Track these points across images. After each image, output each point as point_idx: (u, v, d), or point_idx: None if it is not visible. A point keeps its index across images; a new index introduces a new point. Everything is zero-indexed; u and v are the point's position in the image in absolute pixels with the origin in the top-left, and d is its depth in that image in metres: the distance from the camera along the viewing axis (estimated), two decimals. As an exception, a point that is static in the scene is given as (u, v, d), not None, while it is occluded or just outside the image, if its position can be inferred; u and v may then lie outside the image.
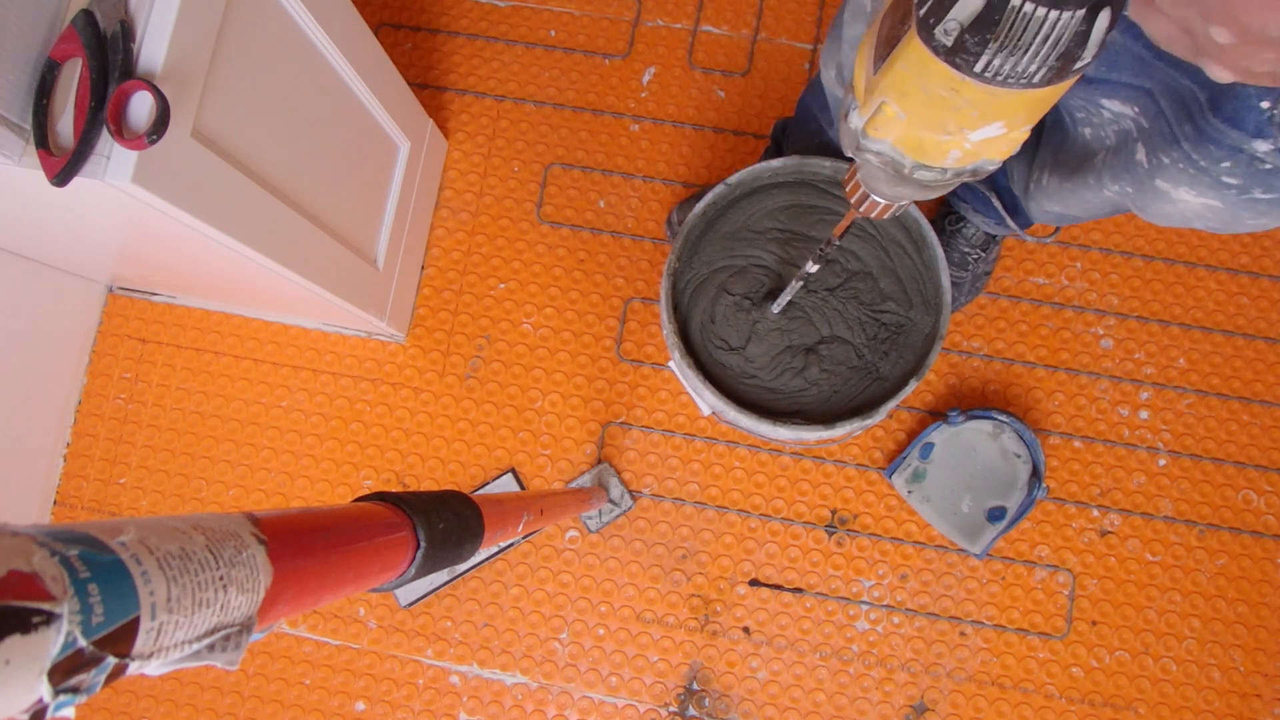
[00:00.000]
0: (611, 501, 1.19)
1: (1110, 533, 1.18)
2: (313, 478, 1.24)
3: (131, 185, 0.63)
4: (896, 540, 1.19)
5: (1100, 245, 1.26)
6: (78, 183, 0.63)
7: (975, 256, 1.17)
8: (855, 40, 0.78)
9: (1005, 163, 0.94)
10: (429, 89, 1.34)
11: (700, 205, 0.95)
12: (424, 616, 1.19)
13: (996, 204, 1.03)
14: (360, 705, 1.17)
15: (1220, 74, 0.35)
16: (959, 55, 0.38)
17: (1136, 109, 0.66)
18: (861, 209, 0.59)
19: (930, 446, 1.18)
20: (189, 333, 1.28)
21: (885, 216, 0.59)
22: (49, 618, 0.21)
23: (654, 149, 1.30)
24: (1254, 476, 1.19)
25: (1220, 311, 1.24)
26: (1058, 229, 1.12)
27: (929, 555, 1.19)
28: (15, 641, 0.20)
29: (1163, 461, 1.20)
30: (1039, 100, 0.41)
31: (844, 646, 1.17)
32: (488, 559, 1.20)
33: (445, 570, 0.76)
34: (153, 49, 0.64)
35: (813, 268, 0.82)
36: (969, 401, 1.22)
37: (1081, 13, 0.36)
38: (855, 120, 0.49)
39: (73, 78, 0.64)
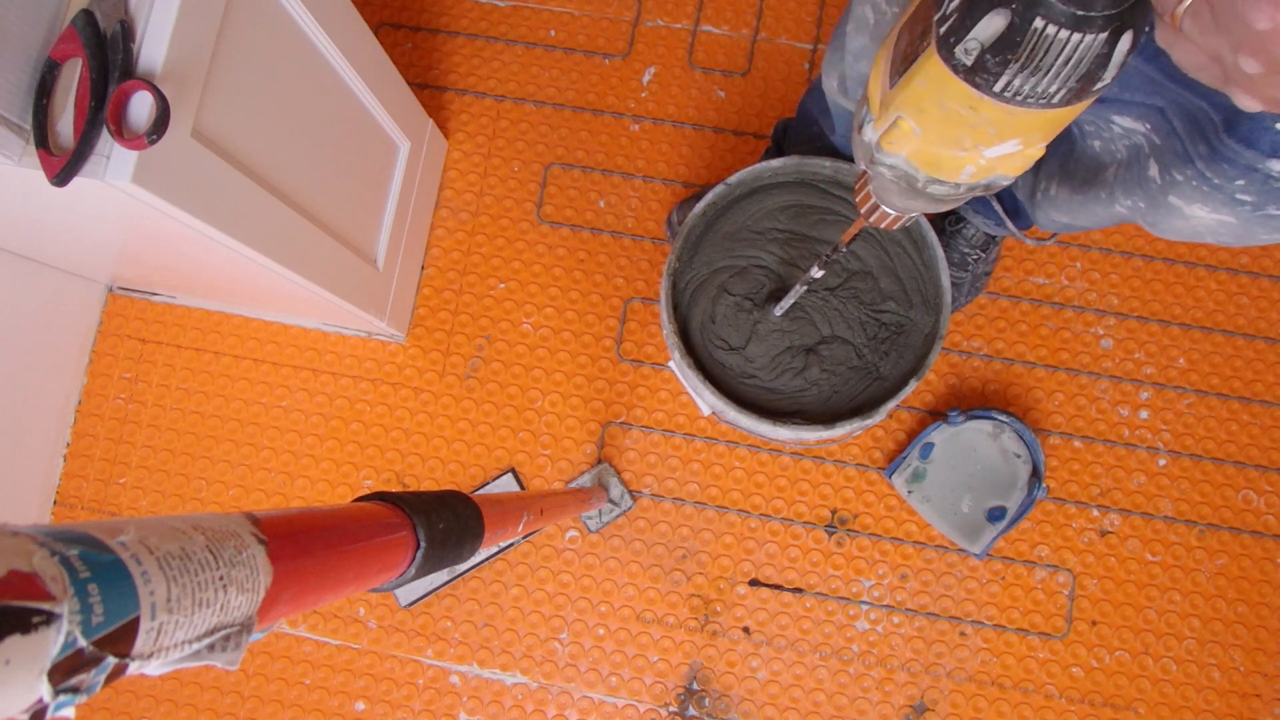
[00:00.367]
0: (611, 501, 1.19)
1: (1110, 533, 1.18)
2: (313, 478, 1.24)
3: (131, 185, 0.63)
4: (896, 540, 1.19)
5: (1100, 245, 1.26)
6: (78, 183, 0.63)
7: (975, 257, 1.17)
8: (858, 52, 0.78)
9: None
10: (429, 89, 1.34)
11: (700, 205, 0.95)
12: (424, 616, 1.19)
13: (997, 207, 1.03)
14: (360, 705, 1.17)
15: (1248, 103, 0.35)
16: (979, 75, 0.38)
17: (1148, 125, 0.66)
18: (871, 219, 0.59)
19: (930, 446, 1.18)
20: (189, 333, 1.28)
21: (895, 227, 0.59)
22: (49, 618, 0.21)
23: (654, 149, 1.30)
24: (1254, 476, 1.19)
25: (1220, 311, 1.24)
26: (1053, 236, 1.12)
27: (929, 555, 1.19)
28: (15, 641, 0.20)
29: (1163, 461, 1.20)
30: (1056, 119, 0.40)
31: (844, 646, 1.17)
32: (488, 559, 1.20)
33: (445, 570, 0.76)
34: (153, 49, 0.64)
35: (817, 272, 0.82)
36: (969, 401, 1.22)
37: (1104, 36, 0.35)
38: (870, 133, 0.49)
39: (73, 78, 0.64)
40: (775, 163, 0.96)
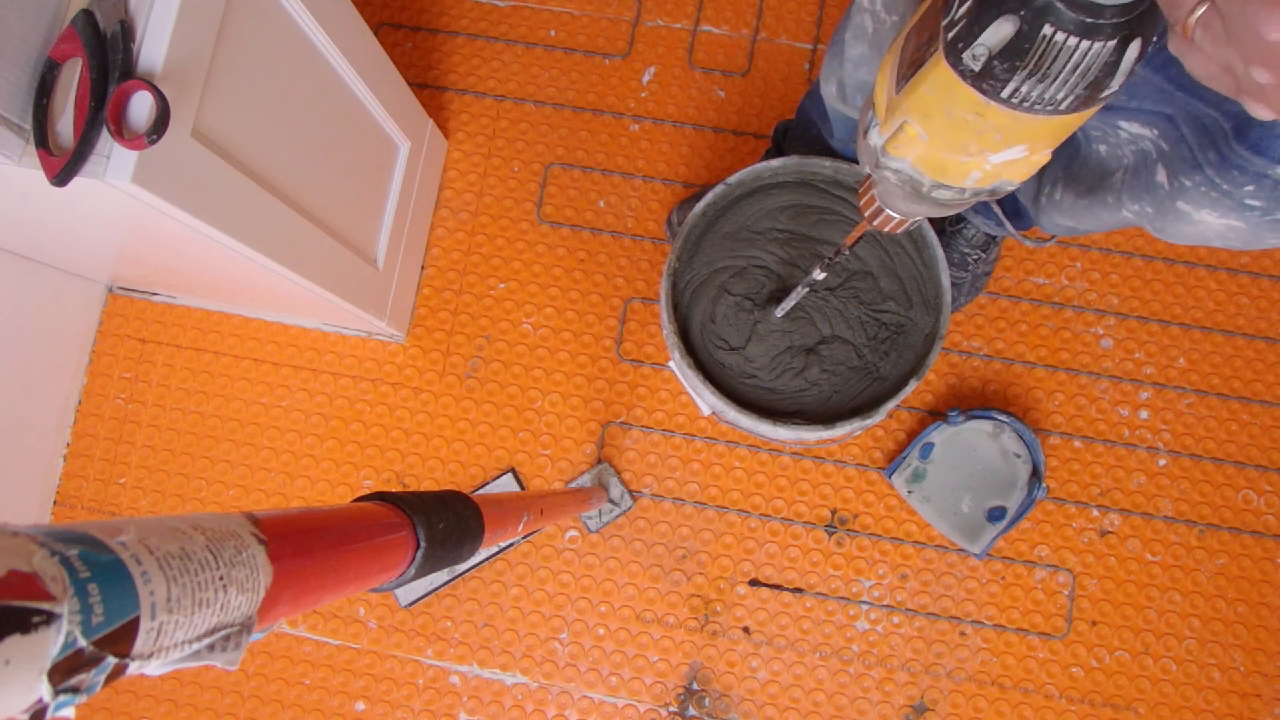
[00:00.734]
0: (611, 501, 1.19)
1: (1110, 533, 1.18)
2: (313, 478, 1.24)
3: (131, 185, 0.63)
4: (896, 540, 1.19)
5: (1100, 245, 1.26)
6: (78, 183, 0.63)
7: (975, 257, 1.17)
8: (857, 59, 0.78)
9: None
10: (429, 89, 1.34)
11: (700, 205, 0.95)
12: (424, 616, 1.19)
13: (996, 209, 1.03)
14: (360, 705, 1.17)
15: (1261, 112, 0.35)
16: (986, 81, 0.38)
17: (1156, 132, 0.66)
18: (875, 223, 0.59)
19: (930, 446, 1.18)
20: (189, 333, 1.28)
21: (898, 231, 0.59)
22: (49, 618, 0.21)
23: (654, 149, 1.30)
24: (1254, 476, 1.19)
25: (1220, 311, 1.24)
26: (1055, 237, 1.12)
27: (929, 555, 1.19)
28: (15, 641, 0.20)
29: (1163, 461, 1.20)
30: (1062, 126, 0.40)
31: (844, 646, 1.17)
32: (488, 559, 1.20)
33: (445, 570, 0.76)
34: (153, 49, 0.64)
35: (819, 274, 0.82)
36: (969, 401, 1.22)
37: (1113, 44, 0.35)
38: (875, 138, 0.49)
39: (73, 78, 0.64)
40: (775, 163, 0.96)
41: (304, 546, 0.36)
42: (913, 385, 0.92)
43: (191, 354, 1.27)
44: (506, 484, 1.22)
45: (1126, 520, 1.19)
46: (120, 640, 0.24)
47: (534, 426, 1.24)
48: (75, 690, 0.23)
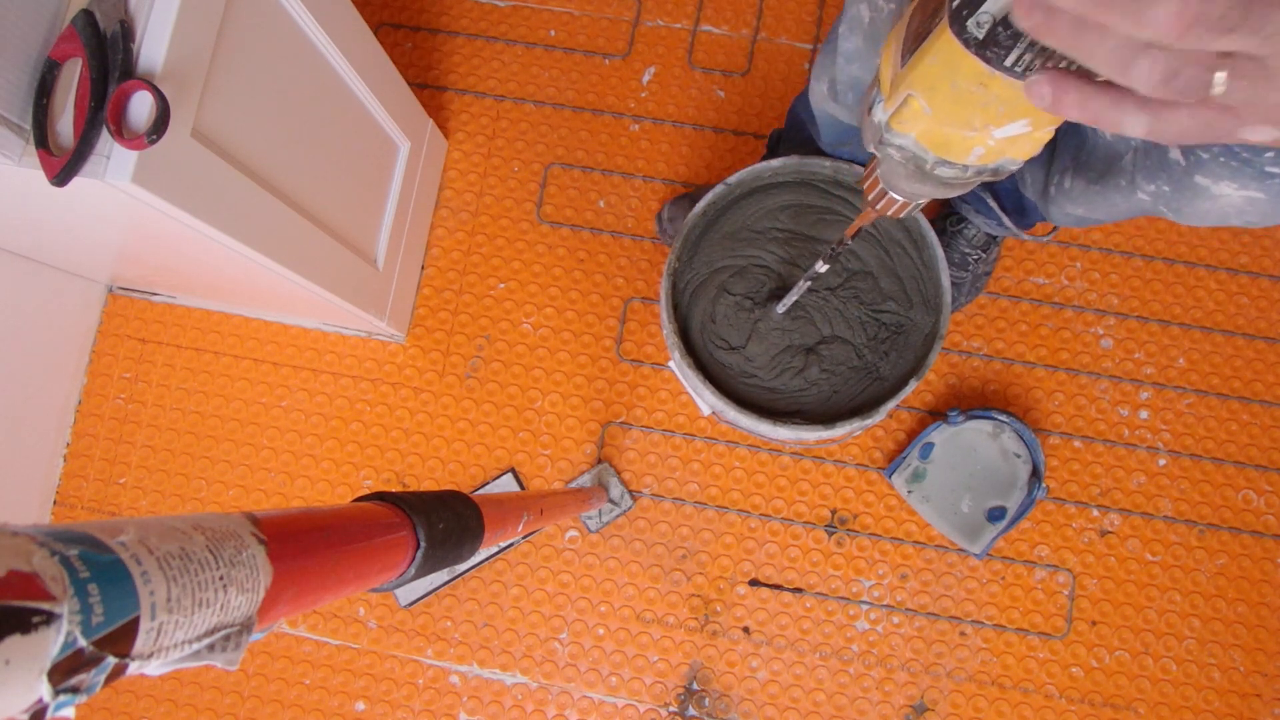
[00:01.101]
0: (611, 501, 1.19)
1: (1110, 533, 1.19)
2: (313, 478, 1.24)
3: (131, 185, 0.63)
4: (896, 540, 1.19)
5: (1100, 245, 1.26)
6: (78, 183, 0.63)
7: (976, 257, 1.17)
8: (850, 54, 0.78)
9: (1022, 170, 0.94)
10: (429, 89, 1.34)
11: (700, 205, 0.95)
12: (424, 616, 1.19)
13: (994, 206, 1.03)
14: (360, 705, 1.17)
15: (1271, 134, 0.34)
16: (990, 49, 0.38)
17: None
18: (878, 206, 0.59)
19: (930, 446, 1.18)
20: (189, 333, 1.28)
21: (901, 215, 0.59)
22: (49, 618, 0.21)
23: (654, 149, 1.30)
24: (1254, 476, 1.19)
25: (1220, 311, 1.24)
26: (1056, 227, 1.11)
27: (929, 555, 1.19)
28: (15, 641, 0.20)
29: (1163, 461, 1.20)
30: None
31: (844, 646, 1.17)
32: (488, 559, 1.20)
33: (445, 570, 0.76)
34: (153, 49, 0.64)
35: (822, 267, 0.81)
36: (969, 401, 1.22)
37: None
38: (879, 114, 0.49)
39: (73, 78, 0.64)
40: (775, 162, 0.96)
41: (304, 546, 0.36)
42: (913, 385, 0.92)
43: (191, 354, 1.27)
44: (506, 484, 1.22)
45: (1126, 520, 1.19)
46: (120, 640, 0.24)
47: (534, 426, 1.24)
48: (75, 690, 0.23)
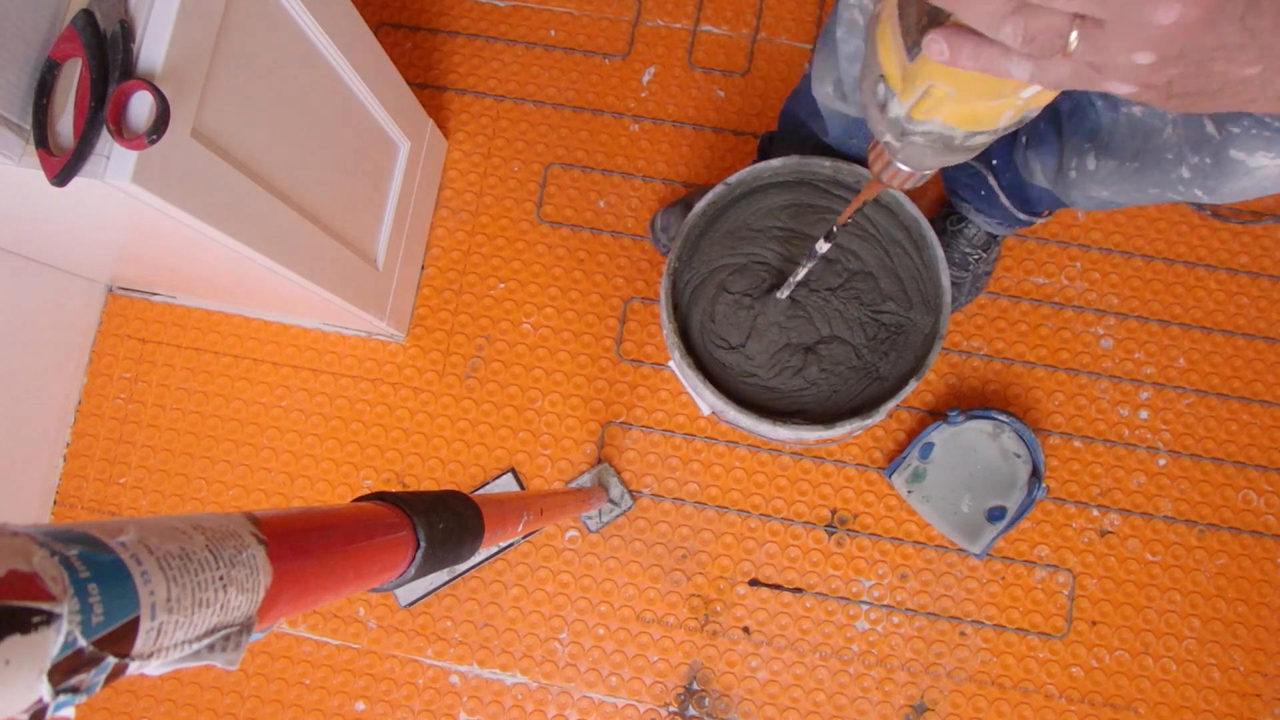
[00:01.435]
0: (611, 501, 1.19)
1: (1110, 533, 1.19)
2: (313, 478, 1.24)
3: (131, 185, 0.63)
4: (896, 540, 1.19)
5: (1100, 245, 1.26)
6: (78, 183, 0.63)
7: (976, 257, 1.17)
8: (852, 55, 0.78)
9: (1021, 158, 0.94)
10: (429, 89, 1.34)
11: (700, 205, 0.95)
12: (424, 616, 1.19)
13: (1004, 200, 1.02)
14: (360, 705, 1.17)
15: (1123, 89, 0.37)
16: None
17: None
18: (884, 178, 0.58)
19: (930, 446, 1.18)
20: (189, 333, 1.28)
21: (908, 186, 0.59)
22: (49, 618, 0.21)
23: (654, 149, 1.30)
24: (1254, 476, 1.19)
25: (1220, 311, 1.24)
26: (1051, 212, 1.10)
27: (929, 555, 1.19)
28: (15, 641, 0.20)
29: (1163, 461, 1.20)
30: None
31: (844, 646, 1.17)
32: (488, 559, 1.20)
33: (445, 570, 0.76)
34: (153, 49, 0.64)
35: (823, 246, 0.80)
36: (969, 401, 1.22)
37: None
38: (896, 108, 0.49)
39: (73, 78, 0.64)
40: (775, 162, 0.96)
41: (304, 546, 0.36)
42: (913, 385, 0.92)
43: (191, 354, 1.28)
44: (506, 484, 1.22)
45: (1126, 520, 1.19)
46: (120, 640, 0.24)
47: (534, 426, 1.24)
48: (75, 690, 0.23)
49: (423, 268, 1.28)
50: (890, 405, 0.91)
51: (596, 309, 1.26)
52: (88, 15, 0.63)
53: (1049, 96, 0.45)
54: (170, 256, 0.94)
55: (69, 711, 0.23)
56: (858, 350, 0.98)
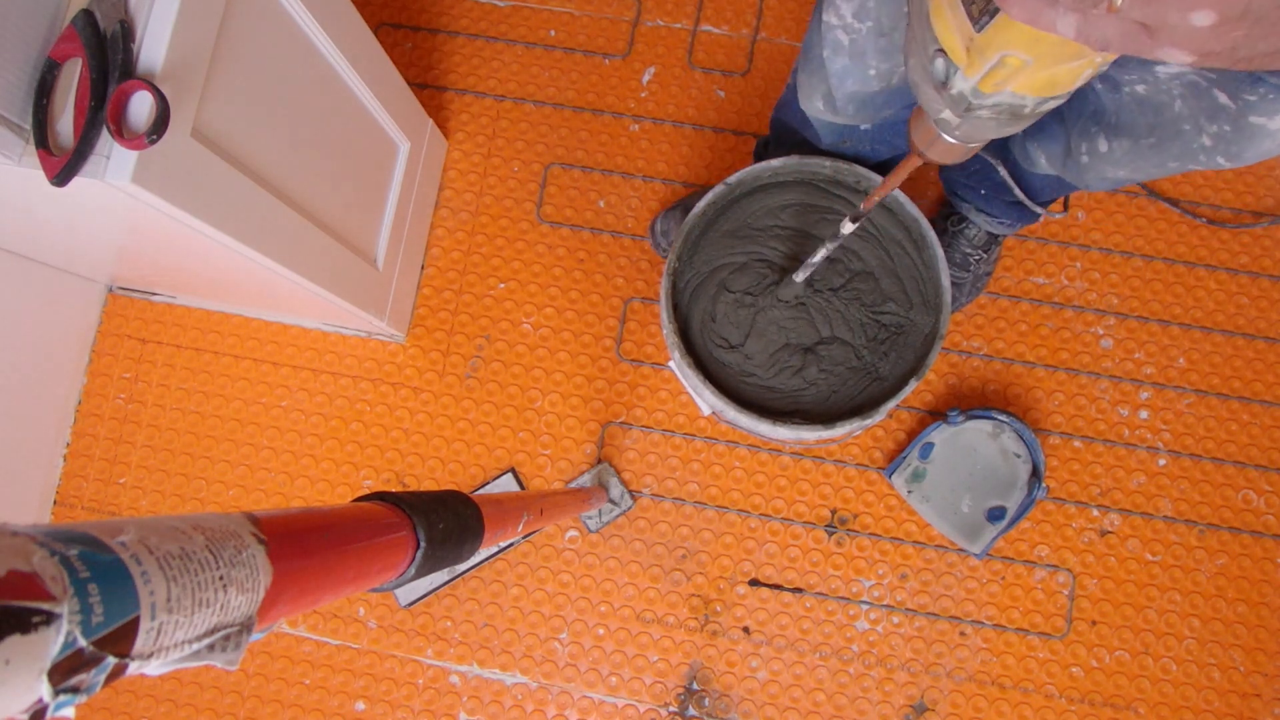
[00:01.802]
0: (611, 501, 1.19)
1: (1110, 533, 1.18)
2: (313, 478, 1.24)
3: (131, 185, 0.63)
4: (896, 540, 1.19)
5: (1100, 245, 1.26)
6: (78, 183, 0.63)
7: (977, 257, 1.17)
8: (841, 73, 0.79)
9: (1021, 149, 0.93)
10: (429, 89, 1.34)
11: (700, 205, 0.95)
12: (424, 616, 1.19)
13: (1018, 193, 1.01)
14: (360, 705, 1.17)
15: (1181, 57, 0.34)
16: None
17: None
18: (930, 154, 0.56)
19: (930, 446, 1.18)
20: (189, 333, 1.28)
21: (952, 160, 0.56)
22: (49, 618, 0.21)
23: (654, 149, 1.30)
24: (1254, 476, 1.19)
25: (1220, 311, 1.24)
26: (1065, 209, 1.09)
27: (929, 555, 1.19)
28: (15, 641, 0.20)
29: (1163, 461, 1.20)
30: None
31: (844, 646, 1.17)
32: (488, 559, 1.20)
33: (445, 570, 0.76)
34: (153, 49, 0.64)
35: (848, 228, 0.79)
36: (969, 401, 1.22)
37: None
38: (961, 83, 0.47)
39: (73, 78, 0.64)
40: (775, 162, 0.96)
41: (304, 546, 0.36)
42: (913, 385, 0.92)
43: (191, 354, 1.27)
44: (506, 484, 1.22)
45: (1126, 520, 1.19)
46: (120, 640, 0.24)
47: (534, 426, 1.24)
48: (75, 690, 0.23)
49: (423, 268, 1.28)
50: (890, 405, 0.91)
51: (596, 309, 1.26)
52: (88, 15, 0.63)
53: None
54: (170, 256, 0.94)
55: (69, 711, 0.23)
56: (857, 351, 0.98)
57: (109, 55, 0.63)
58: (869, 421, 0.92)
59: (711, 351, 0.99)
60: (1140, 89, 0.73)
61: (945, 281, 0.93)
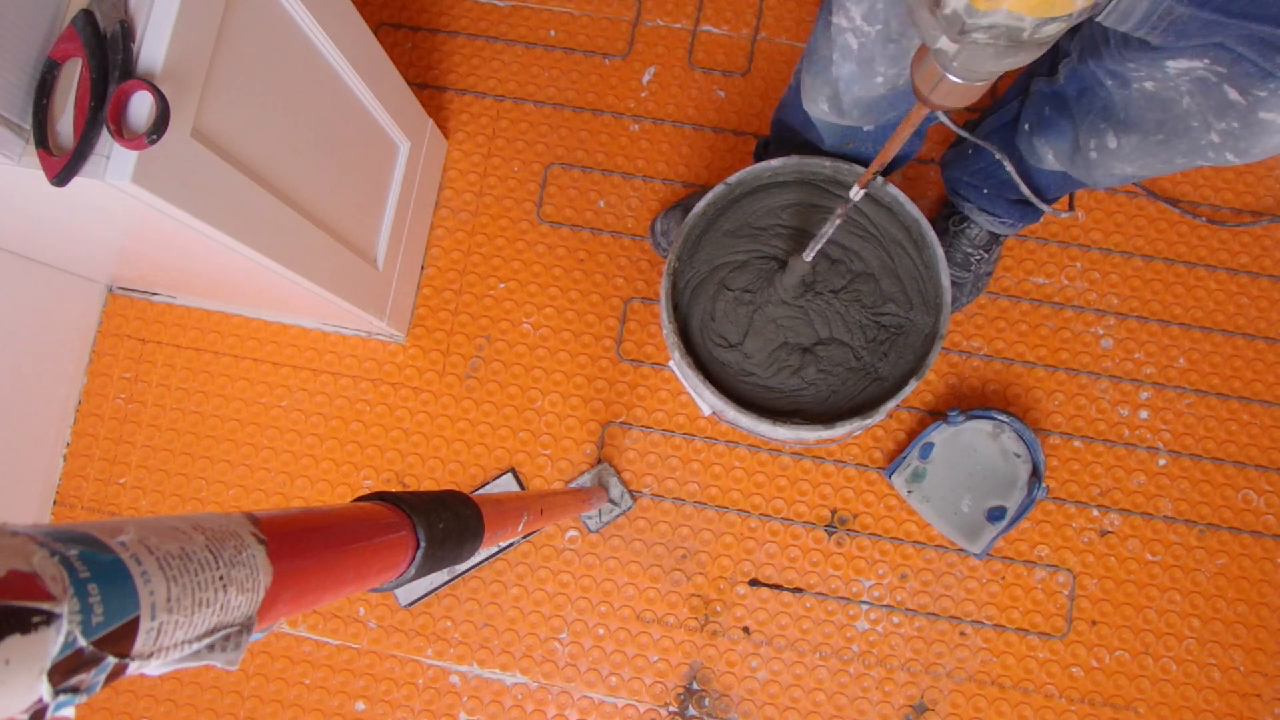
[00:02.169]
0: (611, 501, 1.19)
1: (1110, 533, 1.18)
2: (313, 478, 1.24)
3: (131, 185, 0.63)
4: (896, 540, 1.19)
5: (1100, 245, 1.26)
6: (78, 183, 0.63)
7: (978, 257, 1.17)
8: (849, 77, 0.78)
9: (1027, 145, 0.93)
10: (429, 89, 1.34)
11: (701, 204, 0.95)
12: (424, 616, 1.19)
13: (1025, 190, 1.01)
14: (360, 705, 1.17)
15: None
16: None
17: (1206, 60, 0.66)
18: (934, 97, 0.54)
19: (930, 446, 1.18)
20: (189, 333, 1.28)
21: (958, 105, 0.54)
22: (49, 618, 0.21)
23: (654, 149, 1.30)
24: (1254, 476, 1.19)
25: (1220, 311, 1.24)
26: (1072, 208, 1.08)
27: (929, 555, 1.19)
28: (15, 641, 0.20)
29: (1163, 461, 1.20)
30: None
31: (844, 646, 1.17)
32: (488, 559, 1.20)
33: (445, 570, 0.76)
34: (153, 49, 0.64)
35: (857, 194, 0.76)
36: (969, 401, 1.22)
37: None
38: (955, 2, 0.45)
39: (73, 78, 0.64)
40: (775, 162, 0.96)
41: (304, 546, 0.36)
42: (912, 385, 0.92)
43: (191, 354, 1.27)
44: (506, 484, 1.22)
45: (1126, 520, 1.19)
46: (120, 640, 0.24)
47: (534, 426, 1.24)
48: (75, 690, 0.23)
49: (423, 268, 1.28)
50: (890, 405, 0.91)
51: (596, 309, 1.26)
52: (88, 15, 0.63)
53: None
54: (170, 256, 0.94)
55: (69, 711, 0.23)
56: (856, 352, 0.98)
57: (109, 55, 0.63)
58: (869, 421, 0.92)
59: (711, 351, 0.99)
60: (1149, 85, 0.74)
61: (945, 281, 0.93)
